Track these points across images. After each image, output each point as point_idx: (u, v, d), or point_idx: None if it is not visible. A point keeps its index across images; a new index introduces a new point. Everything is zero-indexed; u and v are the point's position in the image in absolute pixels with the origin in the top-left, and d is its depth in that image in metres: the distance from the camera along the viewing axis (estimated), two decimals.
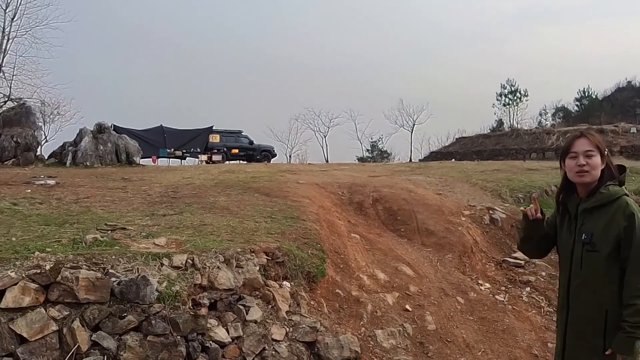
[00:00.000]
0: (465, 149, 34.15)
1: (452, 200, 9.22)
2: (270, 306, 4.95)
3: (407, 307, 5.57)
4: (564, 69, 74.62)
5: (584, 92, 47.69)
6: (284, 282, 5.22)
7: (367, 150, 47.80)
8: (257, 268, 5.14)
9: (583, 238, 2.78)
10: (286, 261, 5.35)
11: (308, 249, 5.81)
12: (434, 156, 34.74)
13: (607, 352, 2.70)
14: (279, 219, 6.81)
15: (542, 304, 6.49)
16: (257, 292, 5.03)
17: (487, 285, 6.74)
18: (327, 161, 34.56)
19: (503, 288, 6.82)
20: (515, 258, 7.72)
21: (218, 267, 4.87)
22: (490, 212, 8.87)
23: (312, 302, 5.17)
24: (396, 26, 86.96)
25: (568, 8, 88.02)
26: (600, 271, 2.73)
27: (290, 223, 6.59)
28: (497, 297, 6.41)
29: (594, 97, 47.11)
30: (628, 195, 2.81)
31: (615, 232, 2.69)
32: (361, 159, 42.13)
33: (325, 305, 5.24)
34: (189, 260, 4.78)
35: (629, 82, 47.32)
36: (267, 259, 5.29)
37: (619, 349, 2.67)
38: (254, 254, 5.26)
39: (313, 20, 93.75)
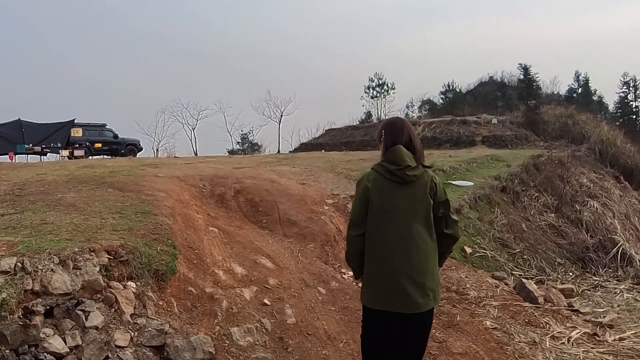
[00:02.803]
0: (334, 140, 34.67)
1: (316, 190, 9.09)
2: (113, 310, 4.44)
3: (266, 301, 5.27)
4: (431, 64, 78.51)
5: (448, 86, 50.55)
6: (129, 283, 4.71)
7: (238, 143, 47.42)
8: (98, 269, 4.60)
9: None
10: (131, 259, 4.84)
11: (157, 245, 5.34)
12: (304, 148, 34.97)
13: None
14: (128, 214, 6.26)
15: None
16: (99, 295, 4.50)
17: (350, 273, 6.64)
18: (196, 154, 33.82)
19: None
20: None
21: (52, 270, 4.28)
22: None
23: (160, 303, 4.72)
24: (277, 14, 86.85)
25: (438, 6, 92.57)
26: None
27: (140, 218, 6.07)
28: (359, 285, 6.31)
29: (458, 90, 49.93)
30: (372, 169, 3.53)
31: None
32: (232, 152, 41.65)
33: (175, 304, 4.80)
34: (18, 264, 4.16)
35: (491, 77, 50.94)
36: (109, 258, 4.75)
37: None
38: (93, 254, 4.70)
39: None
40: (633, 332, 6.06)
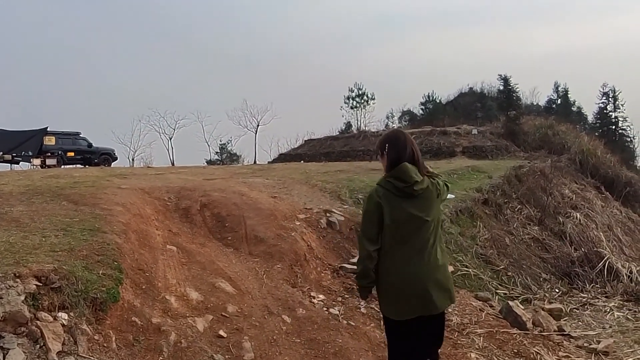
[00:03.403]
0: (314, 151, 34.18)
1: (288, 204, 8.46)
2: (38, 346, 3.76)
3: (222, 332, 4.61)
4: (410, 75, 78.59)
5: (428, 97, 50.53)
6: (60, 314, 4.04)
7: (216, 153, 46.69)
8: (23, 297, 3.94)
9: None
10: (64, 286, 4.17)
11: (100, 268, 4.68)
12: (283, 158, 34.43)
13: None
14: (74, 231, 5.59)
15: (381, 316, 5.88)
16: (23, 329, 3.82)
17: (321, 297, 6.02)
18: (172, 164, 33.14)
19: (339, 299, 6.13)
20: (353, 264, 7.11)
21: None
22: (328, 214, 8.23)
23: (96, 337, 4.03)
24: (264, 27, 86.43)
25: (417, 18, 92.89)
26: None
27: (86, 236, 5.41)
28: (331, 310, 5.69)
29: (438, 101, 49.88)
30: (379, 185, 3.65)
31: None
32: (210, 162, 40.96)
33: (114, 338, 4.12)
34: None
35: (471, 88, 51.00)
36: (38, 285, 4.09)
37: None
38: (19, 280, 4.05)
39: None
40: (631, 359, 5.54)
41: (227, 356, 4.34)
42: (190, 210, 7.79)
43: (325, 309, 5.70)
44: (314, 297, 5.89)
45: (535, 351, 5.24)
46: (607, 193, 22.63)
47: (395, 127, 42.88)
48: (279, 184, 10.66)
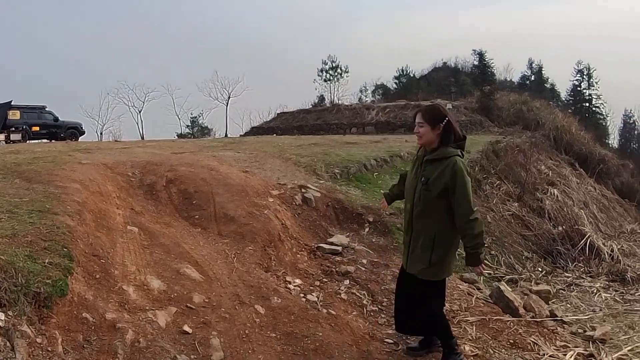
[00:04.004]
0: (286, 124, 33.47)
1: (260, 179, 7.87)
2: None
3: (187, 327, 4.04)
4: (384, 49, 77.79)
5: (402, 71, 50.14)
6: None
7: (187, 126, 45.75)
8: None
9: (422, 180, 3.88)
10: (1, 280, 3.58)
11: (47, 256, 4.06)
12: (255, 131, 33.68)
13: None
14: (20, 213, 4.95)
15: (365, 301, 5.35)
16: None
17: (298, 281, 5.49)
18: (142, 138, 32.26)
19: (317, 283, 5.62)
20: (332, 243, 6.60)
21: None
22: (303, 190, 7.67)
23: (38, 340, 3.41)
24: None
25: None
26: (431, 204, 3.84)
27: (33, 219, 4.77)
28: (309, 296, 5.16)
29: (412, 75, 49.51)
30: (460, 156, 3.86)
31: (443, 180, 3.78)
32: (181, 136, 40.09)
33: (61, 340, 3.51)
34: None
35: (445, 63, 50.75)
36: None
37: (469, 263, 4.03)
38: None
39: None
40: (630, 348, 5.17)
41: (192, 356, 3.77)
42: (155, 186, 7.19)
43: (302, 295, 5.18)
44: (289, 283, 5.36)
45: (532, 341, 4.81)
46: (582, 170, 22.50)
47: (367, 101, 42.41)
48: (251, 157, 10.06)
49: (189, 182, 7.19)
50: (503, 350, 4.56)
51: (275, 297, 4.80)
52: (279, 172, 8.75)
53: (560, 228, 12.14)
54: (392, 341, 4.58)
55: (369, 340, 4.53)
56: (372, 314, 5.14)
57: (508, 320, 5.18)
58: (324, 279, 5.75)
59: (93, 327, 3.77)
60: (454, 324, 4.95)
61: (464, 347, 4.45)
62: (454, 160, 3.78)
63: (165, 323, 4.05)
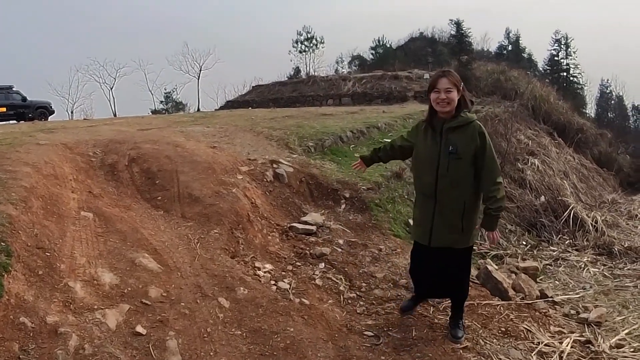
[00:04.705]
0: (262, 97, 32.63)
1: (229, 154, 7.29)
2: None
3: (140, 328, 3.51)
4: (360, 19, 76.73)
5: (378, 41, 49.25)
6: None
7: (161, 102, 44.65)
8: None
9: (450, 149, 3.78)
10: None
11: None
12: (230, 105, 32.79)
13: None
14: None
15: (342, 287, 4.86)
16: None
17: (268, 266, 4.98)
18: (115, 115, 31.29)
19: (290, 268, 5.12)
20: (305, 222, 6.11)
21: None
22: (274, 166, 7.13)
23: None
24: None
25: None
26: (462, 173, 3.79)
27: None
28: (280, 284, 4.66)
29: (388, 46, 48.74)
30: (477, 121, 3.87)
31: (473, 145, 3.76)
32: (155, 112, 39.07)
33: None
34: None
35: (422, 33, 50.03)
36: None
37: (486, 227, 4.01)
38: None
39: None
40: (627, 331, 4.79)
41: None
42: (117, 166, 6.61)
43: (273, 282, 4.67)
44: (258, 269, 4.85)
45: (525, 328, 4.38)
46: (560, 139, 22.28)
47: (344, 72, 41.71)
48: (220, 132, 9.46)
49: (152, 161, 6.62)
50: (495, 340, 4.12)
51: (242, 288, 4.28)
52: (249, 147, 8.18)
53: (542, 199, 11.85)
54: (372, 334, 4.11)
55: (346, 333, 4.06)
56: (349, 301, 4.67)
57: (498, 305, 4.75)
58: (297, 263, 5.26)
59: (32, 334, 3.23)
60: (439, 310, 4.52)
61: None
62: (478, 124, 3.79)
63: (116, 324, 3.52)
